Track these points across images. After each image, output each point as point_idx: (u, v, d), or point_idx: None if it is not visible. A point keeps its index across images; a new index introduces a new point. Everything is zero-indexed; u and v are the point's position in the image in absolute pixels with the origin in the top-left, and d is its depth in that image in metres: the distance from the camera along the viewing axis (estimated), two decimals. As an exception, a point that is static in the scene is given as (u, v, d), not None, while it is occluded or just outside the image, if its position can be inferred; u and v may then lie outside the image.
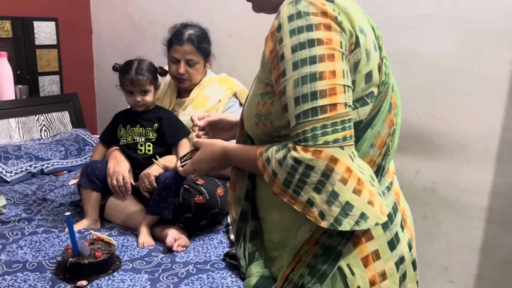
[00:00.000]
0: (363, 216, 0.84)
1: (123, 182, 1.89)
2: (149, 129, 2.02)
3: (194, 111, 2.08)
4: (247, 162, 0.99)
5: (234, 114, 1.37)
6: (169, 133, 2.02)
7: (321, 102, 0.84)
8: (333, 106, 0.85)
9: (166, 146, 2.02)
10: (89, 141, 2.85)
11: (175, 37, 2.07)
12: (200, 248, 1.78)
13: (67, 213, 1.52)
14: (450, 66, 1.93)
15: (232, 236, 1.81)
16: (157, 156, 1.95)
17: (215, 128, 1.25)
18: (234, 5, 2.62)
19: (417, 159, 2.02)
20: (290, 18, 0.88)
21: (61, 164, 2.59)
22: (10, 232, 1.80)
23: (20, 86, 2.88)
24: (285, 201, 0.87)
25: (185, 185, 1.89)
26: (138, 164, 1.98)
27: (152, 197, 1.88)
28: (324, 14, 0.87)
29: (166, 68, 2.16)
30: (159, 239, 1.84)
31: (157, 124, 2.02)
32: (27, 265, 1.58)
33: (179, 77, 2.09)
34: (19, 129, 2.79)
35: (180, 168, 1.13)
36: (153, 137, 2.01)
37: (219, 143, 1.07)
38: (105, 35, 3.30)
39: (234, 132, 1.25)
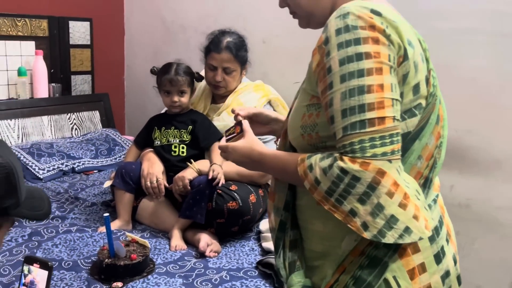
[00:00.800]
0: (407, 230, 0.85)
1: (157, 184, 1.90)
2: (184, 131, 2.04)
3: (228, 117, 2.09)
4: (284, 169, 1.00)
5: (273, 111, 1.38)
6: (202, 136, 2.03)
7: (369, 115, 0.85)
8: (381, 119, 0.86)
9: (199, 148, 2.04)
10: (119, 141, 2.88)
11: (213, 44, 2.08)
12: (232, 254, 1.78)
13: (106, 214, 1.53)
14: (489, 81, 1.91)
15: (264, 244, 1.81)
16: (191, 160, 1.96)
17: (253, 121, 1.25)
18: (269, 11, 2.62)
19: (452, 174, 1.99)
20: (338, 32, 0.89)
21: (92, 164, 2.62)
22: (45, 230, 1.83)
23: (53, 84, 2.93)
24: (326, 208, 0.88)
25: (218, 190, 1.89)
26: (172, 166, 1.99)
27: (185, 200, 1.88)
28: (372, 27, 0.88)
29: (202, 73, 2.18)
30: (190, 243, 1.84)
31: (191, 126, 2.04)
32: (63, 264, 1.60)
33: (215, 84, 2.10)
34: (51, 126, 2.84)
35: (221, 142, 1.14)
36: (187, 139, 2.03)
37: (259, 144, 1.08)
38: (137, 37, 3.33)
39: (271, 128, 1.28)
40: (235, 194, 1.88)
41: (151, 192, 1.92)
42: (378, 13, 0.90)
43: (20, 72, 2.75)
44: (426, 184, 0.98)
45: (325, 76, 0.91)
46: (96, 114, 3.08)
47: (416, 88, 0.93)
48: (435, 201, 1.01)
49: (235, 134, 1.15)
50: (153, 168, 1.94)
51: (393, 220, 0.84)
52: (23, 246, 1.70)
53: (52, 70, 2.97)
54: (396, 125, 0.87)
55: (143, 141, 2.11)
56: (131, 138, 3.06)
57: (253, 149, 1.07)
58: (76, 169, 2.54)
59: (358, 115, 0.86)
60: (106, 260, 1.53)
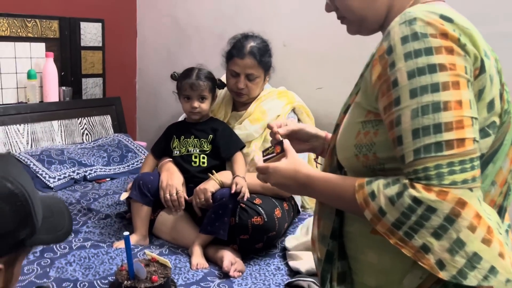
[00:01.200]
0: (492, 270, 0.73)
1: (177, 196, 1.79)
2: (204, 140, 1.92)
3: (251, 125, 1.97)
4: (338, 194, 0.89)
5: (312, 126, 1.27)
6: (224, 146, 1.92)
7: (446, 136, 0.75)
8: (461, 141, 0.75)
9: (220, 159, 1.92)
10: (132, 147, 2.77)
11: (236, 49, 1.96)
12: (257, 274, 1.66)
13: (126, 233, 1.42)
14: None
15: (291, 263, 1.69)
16: (213, 171, 1.85)
17: (291, 138, 1.14)
18: (289, 13, 2.51)
19: None
20: (404, 40, 0.79)
21: (104, 171, 2.51)
22: (57, 245, 1.71)
23: (64, 88, 2.82)
24: (391, 242, 0.77)
25: (242, 204, 1.77)
26: (192, 177, 1.88)
27: (207, 214, 1.77)
28: (445, 35, 0.78)
29: (223, 79, 2.06)
30: (212, 261, 1.73)
31: (211, 135, 1.93)
32: (78, 285, 1.48)
33: (237, 92, 1.98)
34: (61, 132, 2.73)
35: (259, 163, 1.04)
36: (207, 149, 1.92)
37: (305, 166, 0.97)
38: (149, 39, 3.22)
39: (311, 145, 1.19)
40: (260, 209, 1.77)
41: (170, 205, 1.81)
42: (449, 19, 0.79)
43: (30, 75, 2.64)
44: (500, 214, 0.88)
45: (389, 90, 0.81)
46: (108, 118, 2.97)
47: (491, 105, 0.82)
48: (507, 231, 0.89)
49: (274, 154, 1.04)
50: (172, 179, 1.82)
51: (475, 258, 0.73)
52: (35, 264, 1.59)
53: (62, 73, 2.86)
54: (476, 147, 0.76)
55: (161, 150, 2.00)
56: (143, 144, 2.95)
57: (298, 170, 0.96)
58: (88, 177, 2.43)
59: (434, 136, 0.75)
60: (126, 282, 1.42)
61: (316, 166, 1.38)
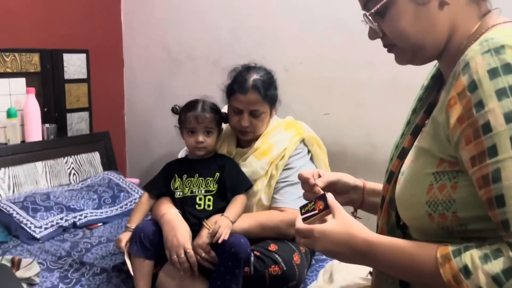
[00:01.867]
0: None
1: (187, 257, 1.58)
2: (210, 179, 1.73)
3: (256, 162, 1.77)
4: (411, 267, 0.72)
5: (349, 175, 1.08)
6: (230, 184, 1.73)
7: None
8: None
9: (226, 200, 1.72)
10: (124, 186, 2.55)
11: (237, 84, 1.76)
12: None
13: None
14: None
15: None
16: (204, 220, 1.65)
17: (328, 189, 0.98)
18: (290, 36, 2.36)
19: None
20: (493, 73, 0.64)
21: (95, 215, 2.29)
22: (48, 313, 1.49)
23: (47, 125, 2.61)
24: None
25: (256, 253, 1.58)
26: (197, 224, 1.66)
27: (215, 267, 1.57)
28: None
29: (224, 108, 1.88)
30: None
31: (218, 174, 1.73)
32: None
33: (242, 130, 1.78)
34: (46, 173, 2.51)
35: (300, 224, 0.84)
36: (213, 189, 1.72)
37: (360, 228, 0.79)
38: (137, 68, 3.04)
39: (349, 197, 1.04)
40: (277, 256, 1.58)
41: (179, 267, 1.59)
42: None
43: (10, 114, 2.43)
44: None
45: (478, 137, 0.65)
46: (96, 155, 2.76)
47: None
48: None
49: (316, 212, 0.85)
50: (177, 237, 1.59)
51: None
52: None
53: (45, 109, 2.65)
54: None
55: (159, 191, 1.79)
56: (136, 180, 2.74)
57: (354, 235, 0.78)
58: (78, 223, 2.21)
59: None
60: None
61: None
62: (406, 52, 0.82)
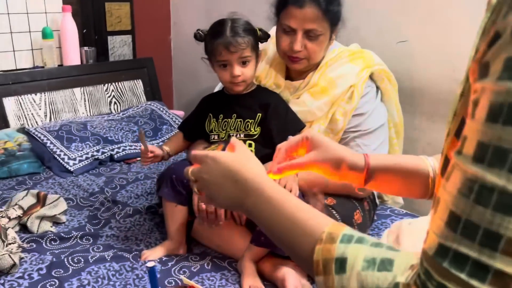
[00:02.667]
0: None
1: (215, 209, 1.33)
2: (250, 121, 1.43)
3: (312, 100, 1.44)
4: (289, 231, 0.60)
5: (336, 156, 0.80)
6: (277, 127, 1.42)
7: None
8: None
9: (272, 145, 1.43)
10: (167, 119, 2.34)
11: None
12: (333, 304, 1.21)
13: (150, 264, 0.98)
14: None
15: None
16: None
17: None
18: None
19: None
20: None
21: (134, 149, 2.10)
22: (70, 259, 1.32)
23: (86, 48, 2.39)
24: None
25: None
26: None
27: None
28: None
29: (271, 32, 1.53)
30: (269, 281, 1.29)
31: (260, 114, 1.43)
32: (91, 323, 1.09)
33: (292, 56, 1.43)
34: (85, 101, 2.33)
35: (196, 151, 0.76)
36: (255, 133, 1.43)
37: (258, 169, 0.70)
38: (185, -14, 2.71)
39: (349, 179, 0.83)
40: (334, 212, 1.30)
41: (205, 217, 1.35)
42: None
43: (45, 34, 2.22)
44: None
45: None
46: (139, 83, 2.54)
47: None
48: None
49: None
50: None
51: None
52: (39, 287, 1.21)
53: (84, 31, 2.43)
54: None
55: (193, 132, 1.53)
56: (181, 113, 2.51)
57: (245, 169, 0.68)
58: (115, 157, 2.03)
59: None
60: (153, 327, 1.01)
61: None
62: None
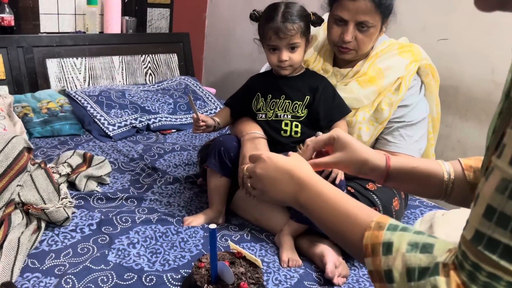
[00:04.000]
0: None
1: None
2: (299, 103, 1.47)
3: (360, 88, 1.48)
4: (341, 218, 0.68)
5: (361, 155, 0.86)
6: (324, 110, 1.47)
7: None
8: None
9: (318, 127, 1.48)
10: (200, 94, 2.39)
11: None
12: (366, 281, 1.28)
13: (213, 226, 1.04)
14: None
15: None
16: (301, 145, 1.42)
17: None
18: None
19: None
20: None
21: (170, 121, 2.16)
22: (118, 218, 1.39)
23: (127, 17, 2.43)
24: None
25: (350, 189, 1.37)
26: (281, 150, 1.44)
27: (302, 197, 1.38)
28: None
29: (324, 16, 1.57)
30: (306, 256, 1.35)
31: (308, 97, 1.47)
32: (143, 279, 1.15)
33: (342, 47, 1.47)
34: (122, 69, 2.37)
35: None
36: (302, 115, 1.47)
37: (311, 170, 0.79)
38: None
39: (371, 176, 0.89)
40: (374, 197, 1.36)
41: (249, 190, 1.40)
42: None
43: (90, 0, 2.26)
44: None
45: None
46: (174, 57, 2.58)
47: None
48: None
49: None
50: None
51: None
52: (91, 242, 1.27)
53: (126, 0, 2.46)
54: None
55: (240, 108, 1.57)
56: (212, 90, 2.56)
57: (300, 167, 0.78)
58: (152, 126, 2.09)
59: None
60: (206, 286, 1.07)
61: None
62: None
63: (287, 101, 1.49)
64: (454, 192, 0.81)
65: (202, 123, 1.44)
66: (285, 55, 1.43)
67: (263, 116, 1.51)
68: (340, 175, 1.32)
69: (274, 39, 1.42)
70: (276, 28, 1.40)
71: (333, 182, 1.30)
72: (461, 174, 0.81)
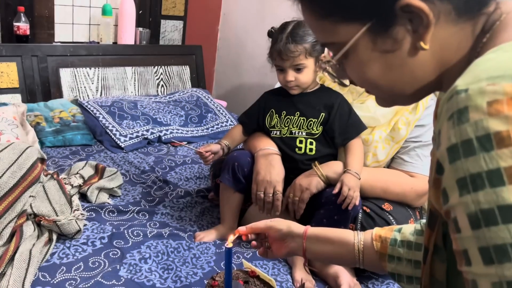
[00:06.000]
0: None
1: (273, 199, 1.37)
2: (314, 120, 1.45)
3: (377, 107, 1.46)
4: None
5: (283, 221, 0.93)
6: (339, 128, 1.44)
7: None
8: None
9: (333, 146, 1.47)
10: (212, 107, 2.38)
11: None
12: (381, 304, 1.26)
13: (228, 245, 1.03)
14: None
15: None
16: (316, 162, 1.40)
17: (267, 239, 0.95)
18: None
19: None
20: (453, 155, 0.47)
21: (181, 133, 2.15)
22: (130, 232, 1.37)
23: (141, 29, 2.44)
24: None
25: (366, 209, 1.35)
26: (294, 168, 1.43)
27: (316, 216, 1.36)
28: None
29: None
30: (319, 276, 1.33)
31: (324, 114, 1.45)
32: (155, 295, 1.13)
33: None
34: (135, 80, 2.38)
35: None
36: (317, 132, 1.45)
37: None
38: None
39: (288, 245, 0.92)
40: (391, 218, 1.34)
41: (262, 206, 1.39)
42: None
43: (105, 11, 2.27)
44: None
45: (453, 232, 0.50)
46: (186, 70, 2.59)
47: None
48: None
49: None
50: (271, 173, 1.38)
51: None
52: (102, 256, 1.25)
53: (140, 12, 2.47)
54: None
55: (253, 125, 1.54)
56: (223, 103, 2.55)
57: None
58: (163, 138, 2.08)
59: None
60: (219, 306, 1.05)
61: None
62: (384, 98, 0.64)
63: (301, 118, 1.47)
64: (365, 260, 0.83)
65: (207, 154, 1.43)
66: (291, 76, 1.41)
67: (277, 133, 1.49)
68: (355, 200, 1.30)
69: (278, 60, 1.41)
70: (279, 50, 1.39)
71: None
72: (369, 244, 0.83)
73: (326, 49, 1.52)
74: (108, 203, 1.51)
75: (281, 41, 1.38)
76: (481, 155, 0.42)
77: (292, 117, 1.48)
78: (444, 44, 0.55)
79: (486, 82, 0.43)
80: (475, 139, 0.43)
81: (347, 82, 0.69)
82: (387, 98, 0.64)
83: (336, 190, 1.30)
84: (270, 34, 1.48)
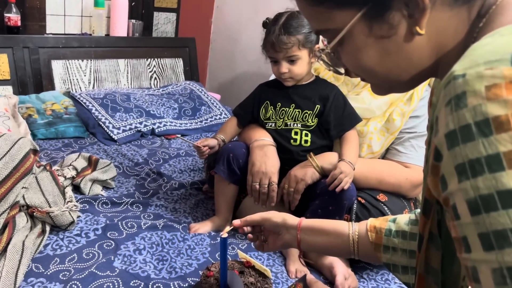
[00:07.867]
0: None
1: (268, 190, 1.37)
2: (309, 112, 1.45)
3: (372, 99, 1.46)
4: None
5: (278, 213, 0.94)
6: (334, 120, 1.44)
7: None
8: None
9: (328, 137, 1.47)
10: (205, 100, 2.37)
11: None
12: (376, 295, 1.26)
13: (224, 235, 1.02)
14: None
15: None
16: (311, 153, 1.40)
17: (263, 233, 0.96)
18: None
19: None
20: (452, 141, 0.47)
21: (174, 126, 2.14)
22: (124, 223, 1.36)
23: (133, 21, 2.42)
24: None
25: (359, 198, 1.35)
26: (289, 160, 1.43)
27: (311, 207, 1.36)
28: None
29: None
30: (314, 267, 1.33)
31: (319, 106, 1.45)
32: (149, 286, 1.13)
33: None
34: (127, 73, 2.36)
35: None
36: (312, 124, 1.45)
37: None
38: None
39: (285, 238, 0.92)
40: (386, 208, 1.34)
41: (257, 197, 1.39)
42: None
43: (98, 2, 2.25)
44: None
45: (452, 219, 0.49)
46: (179, 62, 2.57)
47: None
48: None
49: None
50: (267, 165, 1.37)
51: None
52: (96, 247, 1.24)
53: (133, 3, 2.45)
54: None
55: (248, 117, 1.54)
56: (217, 96, 2.54)
57: None
58: (156, 131, 2.07)
59: None
60: (215, 296, 1.05)
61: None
62: (380, 85, 0.64)
63: (297, 110, 1.46)
64: (360, 251, 0.84)
65: (204, 148, 1.43)
66: (284, 67, 1.41)
67: (272, 125, 1.48)
68: (344, 184, 1.29)
69: (272, 51, 1.40)
70: (271, 41, 1.38)
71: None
72: (364, 235, 0.84)
73: (320, 40, 1.51)
74: (101, 195, 1.50)
75: (274, 32, 1.37)
76: (480, 140, 0.42)
77: (287, 109, 1.47)
78: (440, 29, 0.55)
79: (484, 67, 0.43)
80: (473, 125, 0.42)
81: (342, 70, 0.68)
82: (383, 85, 0.64)
83: (329, 180, 1.30)
84: (265, 25, 1.47)
